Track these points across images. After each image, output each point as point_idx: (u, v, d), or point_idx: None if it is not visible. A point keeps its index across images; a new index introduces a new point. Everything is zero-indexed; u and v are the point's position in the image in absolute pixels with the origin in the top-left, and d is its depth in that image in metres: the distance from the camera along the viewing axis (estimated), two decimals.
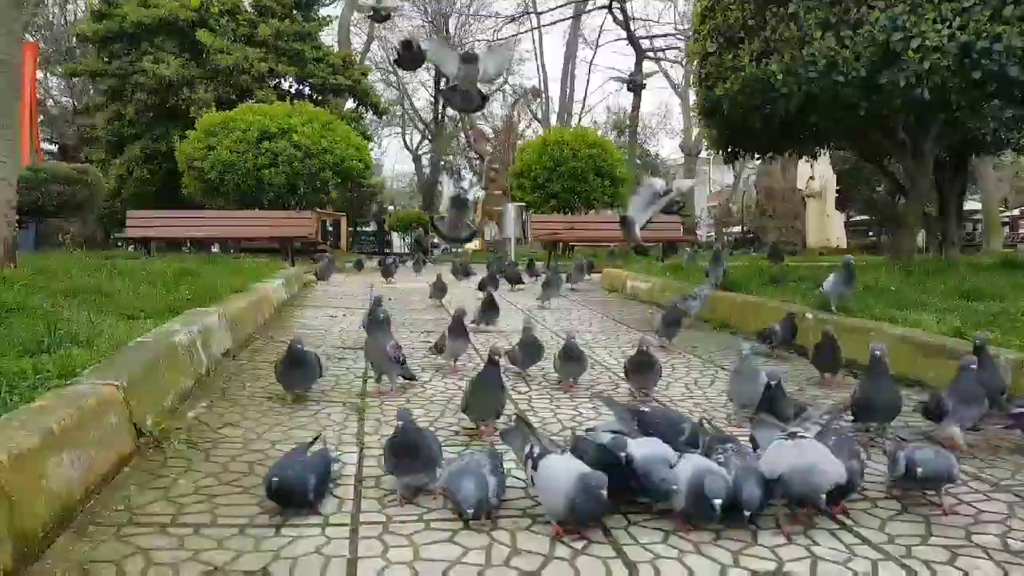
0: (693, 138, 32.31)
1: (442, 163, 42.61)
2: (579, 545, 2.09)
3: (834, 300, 5.20)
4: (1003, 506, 2.43)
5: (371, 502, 2.38)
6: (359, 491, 2.47)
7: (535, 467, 2.20)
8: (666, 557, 2.04)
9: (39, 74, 24.76)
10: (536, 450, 2.26)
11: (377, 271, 11.63)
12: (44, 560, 1.91)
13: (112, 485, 2.42)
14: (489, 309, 5.69)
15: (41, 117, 26.52)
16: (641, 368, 3.64)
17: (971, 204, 23.25)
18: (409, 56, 3.91)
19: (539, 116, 39.89)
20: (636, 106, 30.29)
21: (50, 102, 33.60)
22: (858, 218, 29.15)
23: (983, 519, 2.32)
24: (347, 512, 2.30)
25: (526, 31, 38.44)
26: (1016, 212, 30.29)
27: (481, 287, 7.90)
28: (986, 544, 2.14)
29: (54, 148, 30.05)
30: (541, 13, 36.91)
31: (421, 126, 43.29)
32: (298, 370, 3.52)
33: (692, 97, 16.75)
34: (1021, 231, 28.72)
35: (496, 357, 3.01)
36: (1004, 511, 2.38)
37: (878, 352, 3.05)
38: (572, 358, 3.83)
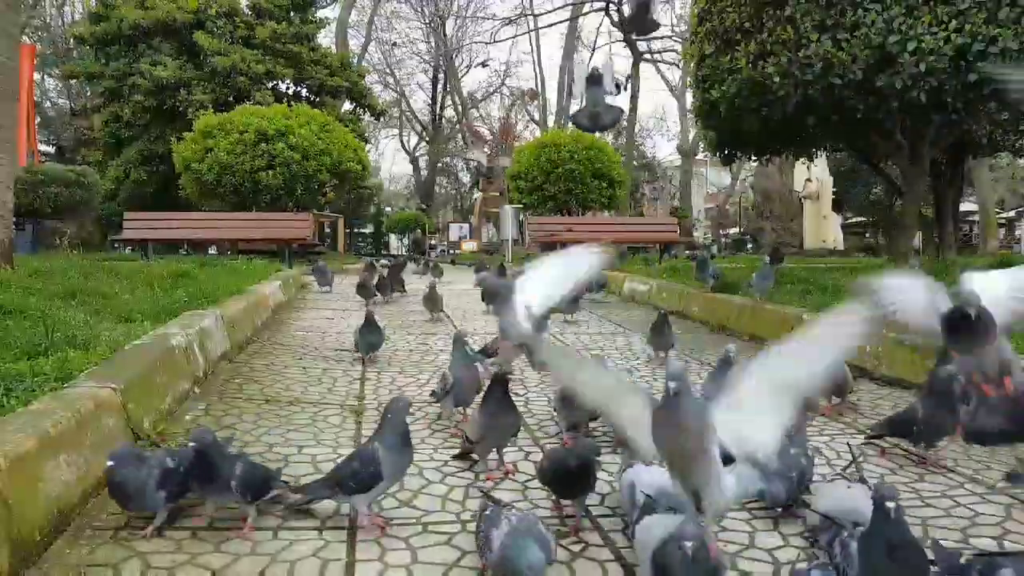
0: (690, 140, 32.34)
1: (439, 164, 42.62)
2: (577, 548, 2.09)
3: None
4: (1000, 508, 2.44)
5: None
6: None
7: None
8: None
9: (36, 76, 24.73)
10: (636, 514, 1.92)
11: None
12: (41, 564, 1.91)
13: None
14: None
15: (38, 119, 26.48)
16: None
17: (967, 206, 23.31)
18: (643, 19, 3.65)
19: (536, 118, 39.91)
20: (633, 108, 30.34)
21: (47, 104, 33.59)
22: (854, 220, 29.20)
23: (979, 522, 2.33)
24: (344, 515, 2.30)
25: (523, 33, 38.49)
26: (1012, 214, 30.33)
27: (486, 298, 6.75)
28: (983, 547, 2.14)
29: (51, 150, 30.02)
30: (538, 15, 36.99)
31: (419, 128, 43.31)
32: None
33: (689, 99, 16.76)
34: (1017, 232, 28.74)
35: (506, 375, 2.66)
36: (1001, 513, 2.39)
37: (947, 375, 2.67)
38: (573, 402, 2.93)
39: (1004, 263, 8.73)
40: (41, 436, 2.12)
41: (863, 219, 28.87)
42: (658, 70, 37.54)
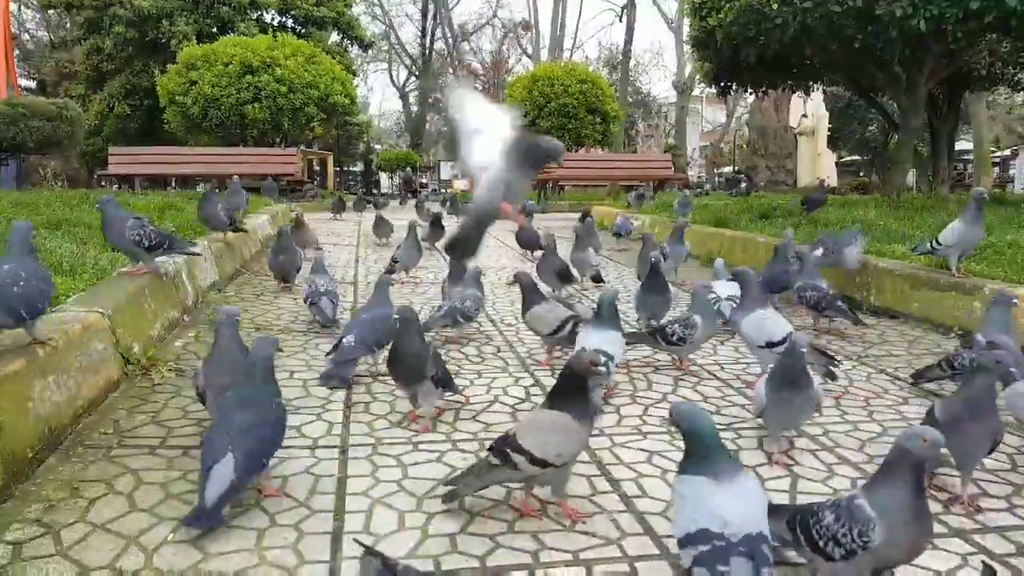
0: (686, 75, 31.76)
1: (430, 100, 41.80)
2: None
3: (955, 259, 3.87)
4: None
5: (360, 426, 2.40)
6: (348, 415, 2.49)
7: None
8: (649, 476, 2.08)
9: (12, 6, 23.87)
10: None
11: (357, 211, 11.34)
12: (34, 479, 1.93)
13: (100, 410, 2.42)
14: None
15: (17, 52, 25.65)
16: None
17: (962, 144, 23.15)
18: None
19: (529, 51, 39.01)
20: (628, 41, 29.67)
21: (25, 36, 32.53)
22: (849, 158, 28.97)
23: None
24: (336, 435, 2.32)
25: None
26: (1007, 152, 30.13)
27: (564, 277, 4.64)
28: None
29: (32, 84, 29.21)
30: None
31: (408, 61, 42.28)
32: None
33: (686, 30, 16.37)
34: (1010, 171, 28.63)
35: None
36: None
37: None
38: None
39: (998, 200, 8.73)
40: (29, 357, 2.11)
41: (857, 158, 28.69)
42: (655, 2, 36.59)
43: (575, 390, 1.81)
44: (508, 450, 1.74)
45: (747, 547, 1.33)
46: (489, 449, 1.81)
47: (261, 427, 1.82)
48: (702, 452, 1.44)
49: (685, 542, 1.38)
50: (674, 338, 3.03)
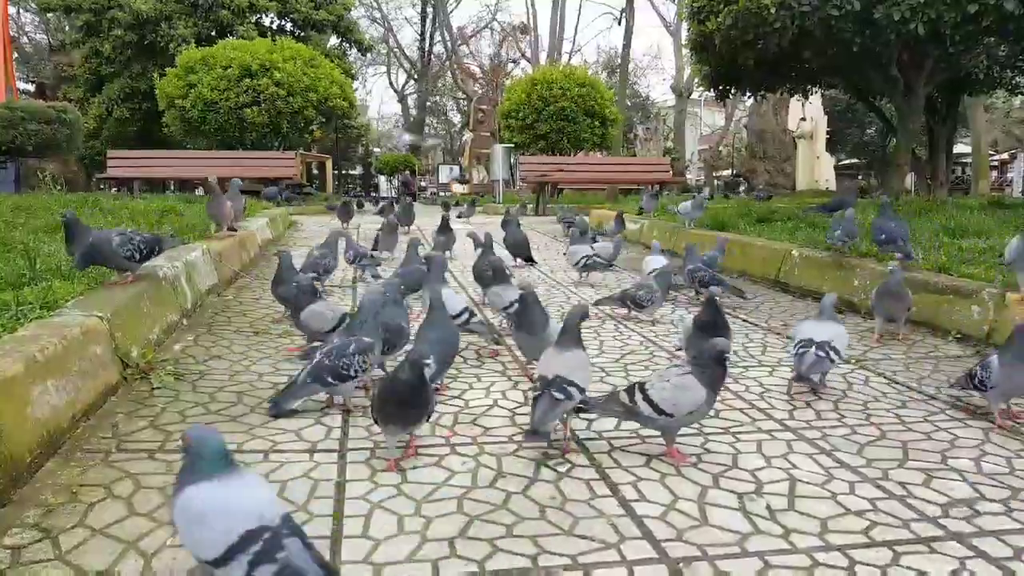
0: (685, 79, 31.80)
1: (428, 103, 41.86)
2: (563, 468, 2.12)
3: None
4: (979, 432, 2.49)
5: (358, 430, 2.40)
6: (346, 419, 2.49)
7: None
8: (648, 479, 2.08)
9: (11, 9, 23.88)
10: None
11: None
12: (33, 483, 1.92)
13: (99, 414, 2.42)
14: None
15: (15, 55, 25.67)
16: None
17: (960, 148, 23.22)
18: None
19: (528, 55, 39.06)
20: (627, 44, 29.71)
21: (24, 39, 32.56)
22: (847, 161, 29.06)
23: (959, 444, 2.38)
24: (335, 439, 2.32)
25: None
26: (1005, 156, 30.21)
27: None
28: (961, 468, 2.19)
29: (30, 87, 29.23)
30: None
31: (407, 65, 42.35)
32: None
33: (684, 34, 16.40)
34: (1008, 175, 28.70)
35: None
36: (980, 437, 2.44)
37: None
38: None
39: (995, 204, 8.76)
40: (28, 361, 2.11)
41: (855, 160, 28.77)
42: (653, 5, 36.67)
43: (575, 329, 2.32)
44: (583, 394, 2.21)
45: (289, 527, 1.35)
46: (541, 387, 2.18)
47: (341, 352, 2.47)
48: (205, 467, 1.37)
49: (231, 553, 1.29)
50: (976, 381, 2.57)
